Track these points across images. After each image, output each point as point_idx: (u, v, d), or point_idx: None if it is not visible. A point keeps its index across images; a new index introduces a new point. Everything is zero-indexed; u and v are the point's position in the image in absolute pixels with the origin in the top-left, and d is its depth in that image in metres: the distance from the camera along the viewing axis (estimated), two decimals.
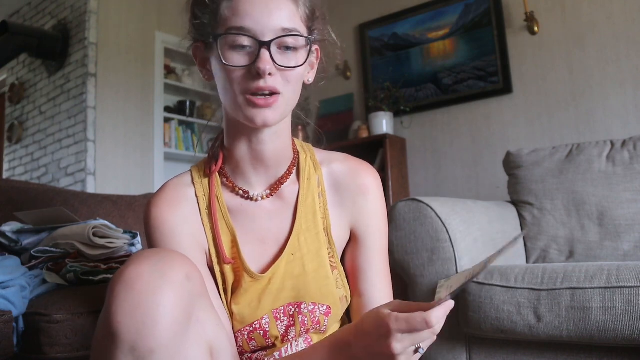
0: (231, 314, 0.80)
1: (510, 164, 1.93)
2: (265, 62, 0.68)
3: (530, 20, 2.99)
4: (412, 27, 3.52)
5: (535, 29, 2.99)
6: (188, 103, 4.19)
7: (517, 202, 1.86)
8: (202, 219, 0.81)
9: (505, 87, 3.11)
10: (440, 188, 3.31)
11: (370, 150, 3.36)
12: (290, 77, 0.73)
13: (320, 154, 0.88)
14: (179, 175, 0.85)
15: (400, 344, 0.59)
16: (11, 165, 4.17)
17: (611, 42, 2.80)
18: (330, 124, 3.73)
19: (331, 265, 0.84)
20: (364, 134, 3.49)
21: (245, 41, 0.70)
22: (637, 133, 2.46)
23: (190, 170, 0.85)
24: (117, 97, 3.65)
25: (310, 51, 0.75)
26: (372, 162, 3.34)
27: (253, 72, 0.69)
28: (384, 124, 3.40)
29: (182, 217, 0.79)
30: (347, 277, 0.88)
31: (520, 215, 1.83)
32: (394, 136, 3.41)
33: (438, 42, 3.41)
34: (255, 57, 0.69)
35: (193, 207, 0.81)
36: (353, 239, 0.87)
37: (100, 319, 0.61)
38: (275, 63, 0.70)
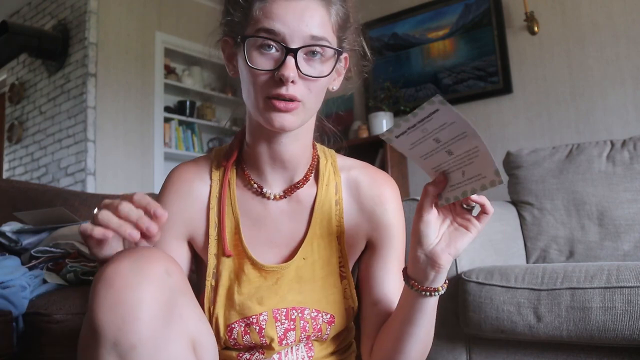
0: (232, 303, 0.79)
1: (510, 164, 1.93)
2: (289, 69, 0.68)
3: (530, 20, 2.98)
4: (412, 27, 3.52)
5: (535, 29, 2.99)
6: (188, 103, 4.19)
7: (517, 202, 1.86)
8: (210, 202, 0.82)
9: (505, 87, 3.11)
10: None
11: (370, 150, 3.36)
12: (313, 86, 0.72)
13: (341, 160, 0.88)
14: (207, 155, 0.88)
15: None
16: (11, 165, 4.17)
17: (611, 42, 2.80)
18: (330, 124, 3.72)
19: (341, 275, 0.83)
20: (364, 134, 3.49)
21: (272, 45, 0.69)
22: (637, 133, 2.45)
23: (212, 153, 0.87)
24: (117, 97, 3.65)
25: (337, 62, 0.74)
26: (372, 162, 3.33)
27: (276, 77, 0.69)
28: (384, 124, 3.40)
29: (194, 191, 0.82)
30: (360, 285, 0.87)
31: (520, 215, 1.83)
32: None
33: (438, 42, 3.41)
34: (280, 63, 0.68)
35: (205, 187, 0.83)
36: (370, 248, 0.86)
37: (85, 317, 0.61)
38: (300, 71, 0.69)
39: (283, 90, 0.69)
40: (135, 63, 3.77)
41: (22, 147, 4.08)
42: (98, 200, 1.86)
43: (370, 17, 3.71)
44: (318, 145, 0.88)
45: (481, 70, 3.21)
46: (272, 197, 0.82)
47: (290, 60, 0.68)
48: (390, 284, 0.84)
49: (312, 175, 0.84)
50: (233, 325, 0.79)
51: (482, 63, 3.21)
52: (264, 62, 0.69)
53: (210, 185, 0.83)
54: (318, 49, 0.70)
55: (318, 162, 0.85)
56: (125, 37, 3.74)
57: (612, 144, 1.78)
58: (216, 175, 0.83)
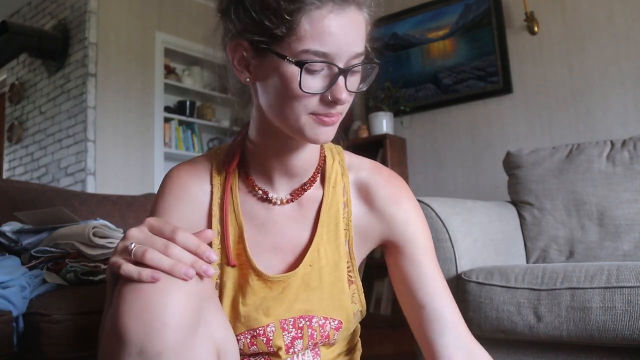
0: (237, 314, 0.77)
1: (510, 164, 1.93)
2: (343, 91, 0.66)
3: (530, 20, 2.99)
4: (412, 27, 3.52)
5: (535, 29, 2.99)
6: (188, 103, 4.19)
7: (517, 202, 1.86)
8: (212, 208, 0.79)
9: (505, 87, 3.11)
10: (440, 188, 3.31)
11: (370, 150, 3.36)
12: (352, 98, 0.71)
13: (350, 158, 0.85)
14: (206, 154, 0.84)
15: (134, 237, 0.61)
16: (11, 165, 4.17)
17: (611, 42, 2.80)
18: None
19: (349, 280, 0.81)
20: (364, 134, 3.49)
21: (322, 65, 0.66)
22: (637, 133, 2.46)
23: (212, 154, 0.83)
24: (117, 97, 3.65)
25: (375, 75, 0.72)
26: None
27: (326, 98, 0.67)
28: (384, 124, 3.40)
29: (195, 195, 0.79)
30: (398, 290, 0.83)
31: (520, 215, 1.83)
32: (394, 136, 3.41)
33: (438, 42, 3.41)
34: (331, 84, 0.66)
35: (206, 193, 0.80)
36: (393, 250, 0.82)
37: (108, 319, 0.60)
38: (348, 90, 0.68)
39: (333, 110, 0.68)
40: (135, 63, 3.77)
41: (22, 147, 4.08)
42: (98, 200, 1.86)
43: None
44: (326, 145, 0.85)
45: (481, 70, 3.21)
46: (279, 202, 0.79)
47: (342, 81, 0.66)
48: (430, 285, 0.79)
49: (319, 176, 0.82)
50: (239, 337, 0.77)
51: (482, 63, 3.21)
52: (314, 84, 0.66)
53: (211, 191, 0.79)
54: (361, 67, 0.69)
55: (324, 162, 0.83)
56: (125, 37, 3.74)
57: (612, 144, 1.78)
58: (217, 180, 0.80)
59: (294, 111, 0.68)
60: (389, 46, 3.61)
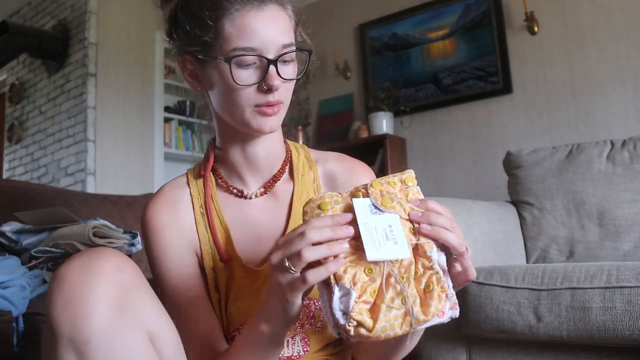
0: (231, 312, 0.80)
1: (510, 164, 1.93)
2: (275, 78, 0.74)
3: (530, 20, 2.99)
4: (412, 27, 3.52)
5: (535, 29, 2.99)
6: (188, 103, 4.19)
7: (517, 202, 1.86)
8: (195, 218, 0.84)
9: (505, 87, 3.11)
10: (440, 188, 3.31)
11: (370, 150, 3.36)
12: (290, 86, 0.79)
13: (315, 153, 0.92)
14: (175, 178, 0.90)
15: (275, 255, 0.61)
16: (11, 165, 4.17)
17: (611, 42, 2.80)
18: (330, 124, 3.73)
19: None
20: (364, 134, 3.49)
21: (253, 59, 0.74)
22: (637, 133, 2.46)
23: (186, 172, 0.89)
24: (117, 97, 3.65)
25: (309, 60, 0.80)
26: (372, 162, 3.34)
27: (262, 87, 0.74)
28: (384, 124, 3.40)
29: (174, 218, 0.83)
30: None
31: (520, 215, 1.83)
32: (394, 136, 3.41)
33: (438, 42, 3.41)
34: (264, 74, 0.74)
35: (187, 207, 0.85)
36: None
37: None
38: (282, 77, 0.75)
39: (271, 98, 0.75)
40: (135, 63, 3.77)
41: (22, 147, 4.08)
42: (98, 200, 1.86)
43: (370, 17, 3.72)
44: (289, 141, 0.92)
45: (481, 70, 3.21)
46: (253, 196, 0.85)
47: (272, 70, 0.73)
48: None
49: (287, 167, 0.88)
50: (234, 333, 0.81)
51: (482, 63, 3.21)
52: (248, 77, 0.74)
53: (192, 202, 0.85)
54: (292, 55, 0.77)
55: (291, 156, 0.89)
56: (125, 37, 3.74)
57: (612, 144, 1.78)
58: (195, 190, 0.86)
59: (238, 106, 0.76)
60: (389, 46, 3.61)
